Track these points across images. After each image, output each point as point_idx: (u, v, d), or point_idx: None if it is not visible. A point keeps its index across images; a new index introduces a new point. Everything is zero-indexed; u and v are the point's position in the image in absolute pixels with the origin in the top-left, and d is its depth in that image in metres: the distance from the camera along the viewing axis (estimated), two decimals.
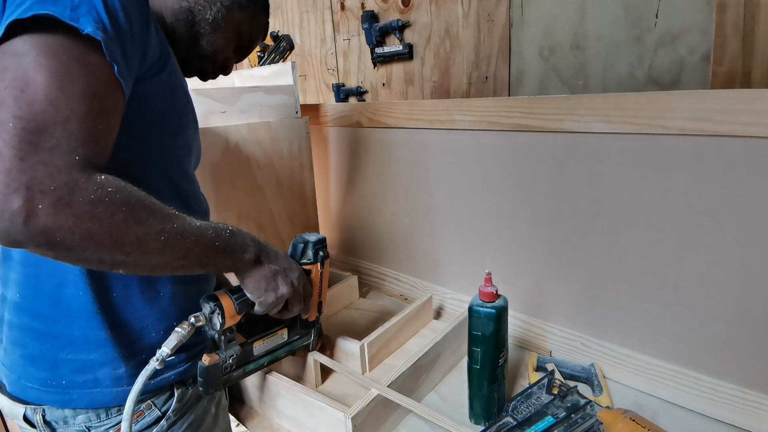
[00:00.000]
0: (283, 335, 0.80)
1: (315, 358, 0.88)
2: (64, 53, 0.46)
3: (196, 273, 0.58)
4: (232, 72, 1.49)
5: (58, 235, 0.44)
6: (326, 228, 1.50)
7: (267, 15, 0.78)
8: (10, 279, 0.62)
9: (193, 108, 0.71)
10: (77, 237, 0.45)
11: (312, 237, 0.79)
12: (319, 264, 0.78)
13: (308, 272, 0.77)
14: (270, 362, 0.79)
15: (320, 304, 0.82)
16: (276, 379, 0.83)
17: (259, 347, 0.76)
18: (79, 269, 0.59)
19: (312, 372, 0.89)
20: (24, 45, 0.45)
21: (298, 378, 0.91)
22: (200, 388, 0.68)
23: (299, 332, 0.83)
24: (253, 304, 0.67)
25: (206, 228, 0.56)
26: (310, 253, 0.77)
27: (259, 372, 0.85)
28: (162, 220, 0.51)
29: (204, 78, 0.76)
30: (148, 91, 0.58)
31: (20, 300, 0.62)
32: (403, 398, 0.76)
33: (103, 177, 0.47)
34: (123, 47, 0.50)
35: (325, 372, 0.92)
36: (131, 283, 0.63)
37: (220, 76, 0.78)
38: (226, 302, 0.65)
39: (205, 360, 0.67)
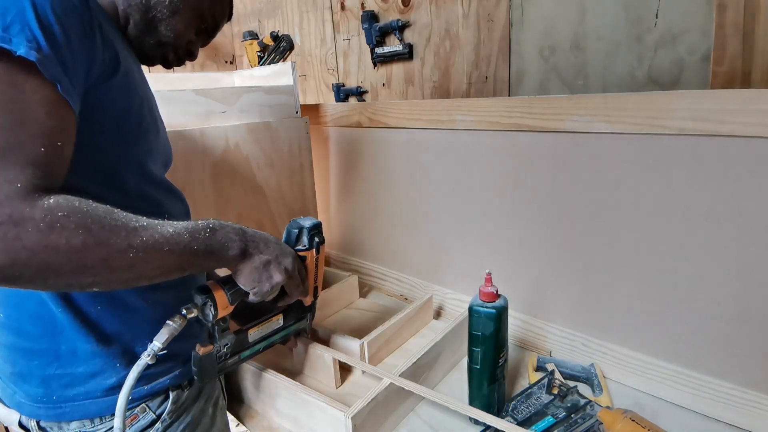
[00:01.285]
0: (278, 321, 0.79)
1: (334, 356, 0.88)
2: None
3: (178, 277, 0.56)
4: (232, 72, 1.50)
5: (15, 270, 0.42)
6: (326, 228, 1.50)
7: None
8: None
9: (153, 109, 0.68)
10: (34, 269, 0.43)
11: (307, 222, 0.76)
12: (314, 250, 0.76)
13: (303, 258, 0.75)
14: (266, 347, 0.78)
15: (316, 288, 0.81)
16: (276, 379, 0.83)
17: (254, 334, 0.75)
18: None
19: (331, 373, 0.88)
20: None
21: (293, 375, 0.90)
22: (195, 378, 0.68)
23: (294, 317, 0.82)
24: (247, 293, 0.66)
25: (181, 233, 0.54)
26: (305, 239, 0.75)
27: (259, 372, 0.85)
28: (127, 236, 0.48)
29: (168, 66, 0.72)
30: (98, 100, 0.55)
31: (4, 319, 0.61)
32: (415, 386, 0.76)
33: (51, 201, 0.44)
34: (63, 62, 0.48)
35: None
36: (116, 295, 0.61)
37: (222, 74, 0.76)
38: (219, 293, 0.64)
39: (199, 350, 0.67)
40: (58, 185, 0.47)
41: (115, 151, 0.60)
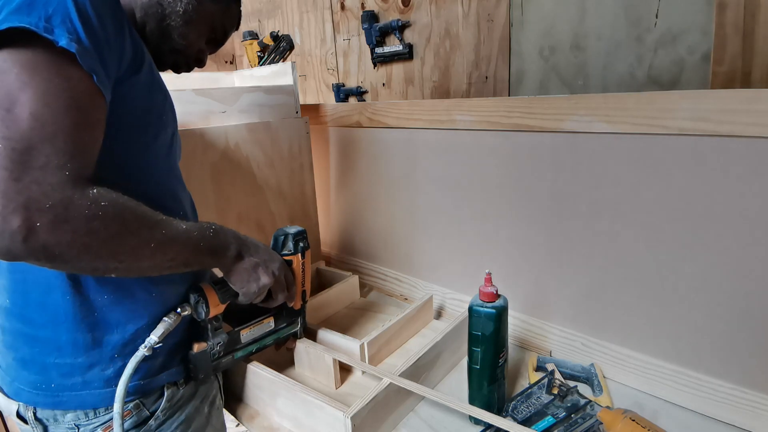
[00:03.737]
0: (269, 323, 0.83)
1: (334, 357, 0.88)
2: (44, 68, 0.46)
3: (182, 272, 0.61)
4: (232, 72, 1.50)
5: (57, 249, 0.46)
6: (326, 228, 1.50)
7: (239, 4, 0.77)
8: (0, 285, 0.63)
9: (172, 104, 0.71)
10: (75, 250, 0.47)
11: (292, 229, 0.82)
12: (299, 255, 0.81)
13: (289, 263, 0.80)
14: (258, 349, 0.82)
15: (304, 292, 0.85)
16: (276, 379, 0.83)
17: (246, 335, 0.79)
18: (65, 275, 0.59)
19: (331, 372, 0.89)
20: (4, 62, 0.46)
21: (292, 374, 0.90)
22: (191, 374, 0.71)
23: (286, 320, 0.86)
24: (237, 294, 0.71)
25: (192, 230, 0.59)
26: (290, 244, 0.81)
27: (259, 372, 0.85)
28: (152, 228, 0.53)
29: (178, 71, 0.75)
30: (125, 93, 0.58)
31: (10, 305, 0.62)
32: (415, 385, 0.76)
33: (95, 191, 0.48)
34: (100, 54, 0.51)
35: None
36: (125, 285, 0.63)
37: (222, 74, 0.78)
38: (210, 292, 0.69)
39: (194, 347, 0.71)
40: (92, 173, 0.50)
41: (136, 143, 0.62)
